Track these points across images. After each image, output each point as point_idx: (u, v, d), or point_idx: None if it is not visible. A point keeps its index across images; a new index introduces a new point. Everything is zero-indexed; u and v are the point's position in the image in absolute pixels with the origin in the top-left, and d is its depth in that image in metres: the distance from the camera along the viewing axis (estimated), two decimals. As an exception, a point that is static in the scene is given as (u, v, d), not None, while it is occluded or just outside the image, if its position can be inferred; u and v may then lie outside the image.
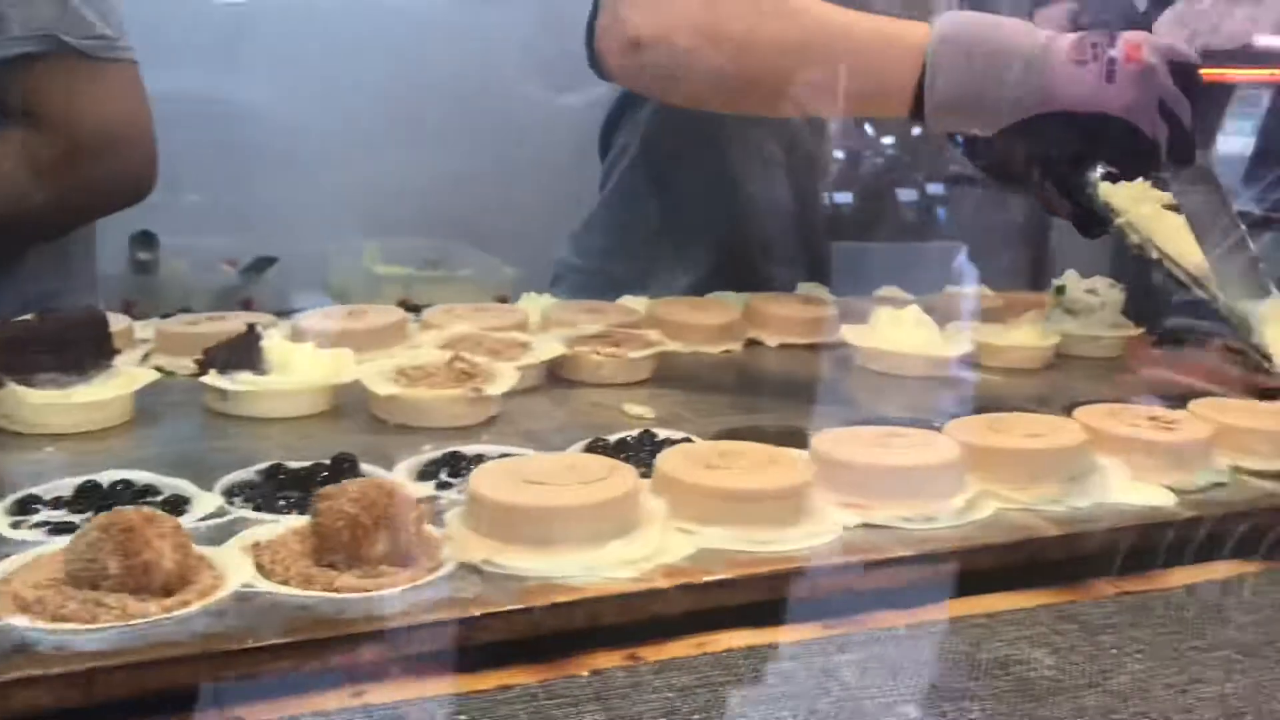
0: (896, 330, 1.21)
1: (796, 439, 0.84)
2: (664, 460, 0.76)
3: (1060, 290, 1.34)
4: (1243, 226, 1.05)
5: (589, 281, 1.45)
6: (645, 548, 0.69)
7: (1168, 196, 1.13)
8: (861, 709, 0.59)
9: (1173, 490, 0.85)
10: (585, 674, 0.61)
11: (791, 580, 0.69)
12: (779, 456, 0.78)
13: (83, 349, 0.94)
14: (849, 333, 1.23)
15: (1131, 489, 0.85)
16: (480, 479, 0.70)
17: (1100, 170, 1.19)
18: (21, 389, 0.89)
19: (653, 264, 1.45)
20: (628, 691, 0.59)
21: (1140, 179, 1.15)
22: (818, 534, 0.73)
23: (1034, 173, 1.35)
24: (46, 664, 0.55)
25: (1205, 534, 0.82)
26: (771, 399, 1.10)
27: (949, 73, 0.91)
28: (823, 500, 0.78)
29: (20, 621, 0.58)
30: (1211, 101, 1.18)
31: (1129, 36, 0.90)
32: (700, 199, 1.38)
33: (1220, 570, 0.78)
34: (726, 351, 1.26)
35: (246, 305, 2.51)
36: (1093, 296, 1.31)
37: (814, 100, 1.02)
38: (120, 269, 2.62)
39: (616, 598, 0.65)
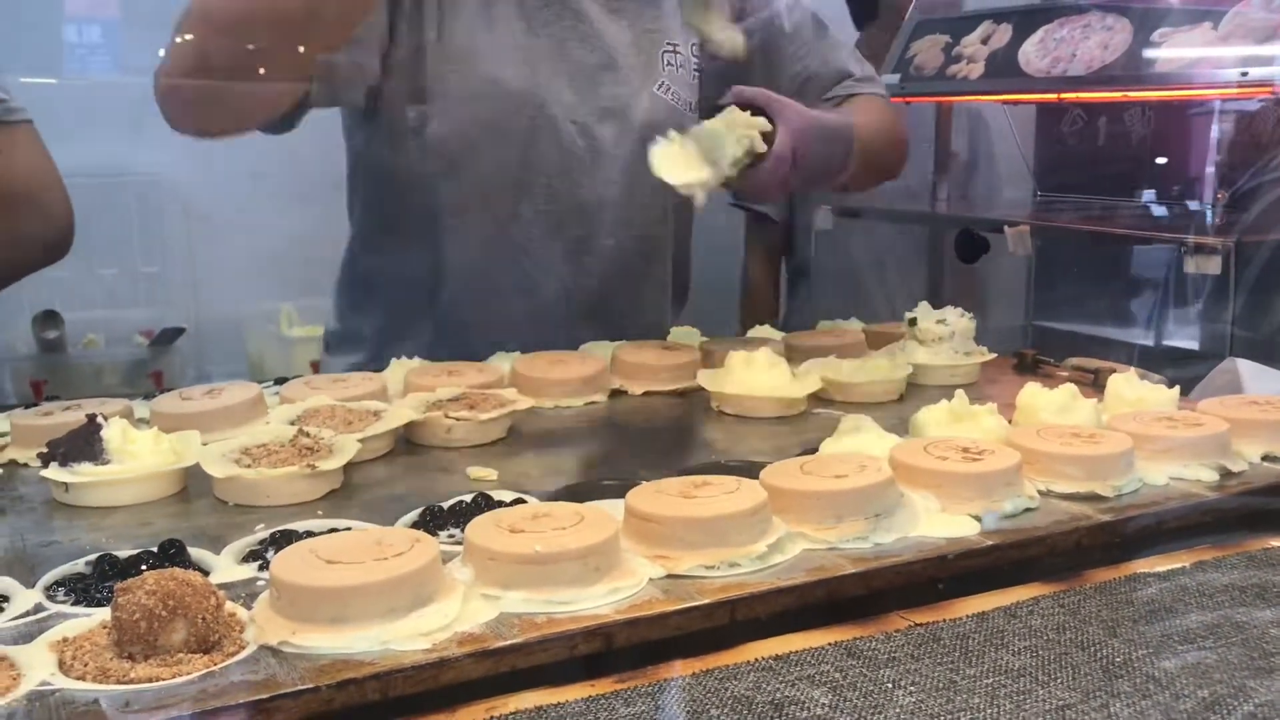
0: (748, 372, 1.24)
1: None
2: (471, 529, 0.79)
3: (913, 322, 1.38)
4: None
5: (340, 344, 1.52)
6: (444, 618, 0.71)
7: (757, 119, 1.25)
8: (632, 762, 0.61)
9: (978, 519, 0.89)
10: (368, 747, 0.63)
11: (583, 639, 0.72)
12: (589, 514, 0.81)
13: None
14: (704, 378, 1.27)
15: (938, 521, 0.88)
16: (279, 562, 0.72)
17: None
18: None
19: (384, 328, 1.51)
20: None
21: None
22: (620, 590, 0.76)
23: None
24: None
25: (1002, 560, 0.86)
26: (621, 452, 1.12)
27: None
28: (633, 554, 0.81)
29: None
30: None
31: None
32: (422, 264, 1.45)
33: (1013, 595, 0.82)
34: (591, 403, 1.29)
35: (156, 378, 2.52)
36: (942, 326, 1.36)
37: None
38: (31, 349, 2.62)
39: (408, 669, 0.67)
